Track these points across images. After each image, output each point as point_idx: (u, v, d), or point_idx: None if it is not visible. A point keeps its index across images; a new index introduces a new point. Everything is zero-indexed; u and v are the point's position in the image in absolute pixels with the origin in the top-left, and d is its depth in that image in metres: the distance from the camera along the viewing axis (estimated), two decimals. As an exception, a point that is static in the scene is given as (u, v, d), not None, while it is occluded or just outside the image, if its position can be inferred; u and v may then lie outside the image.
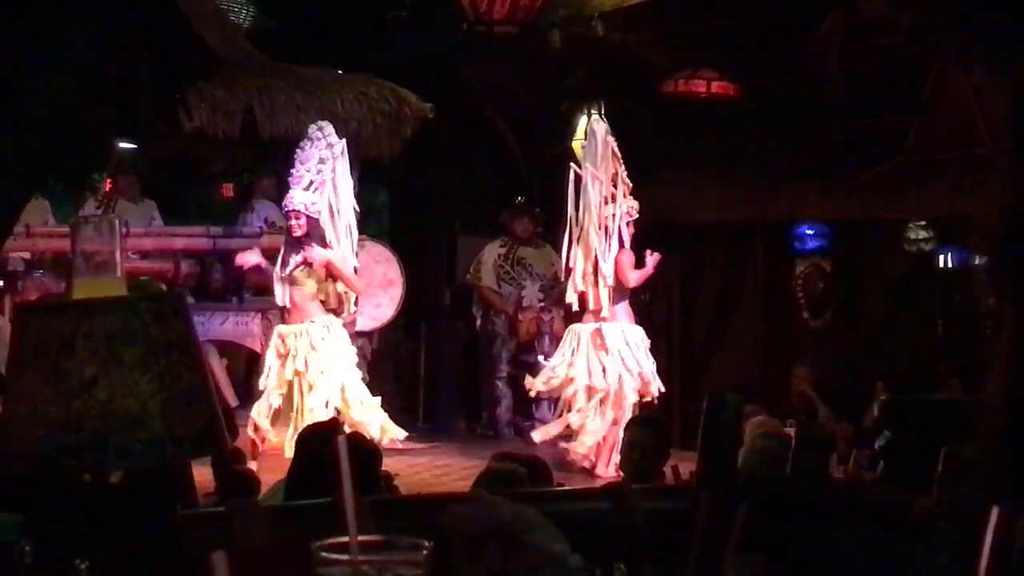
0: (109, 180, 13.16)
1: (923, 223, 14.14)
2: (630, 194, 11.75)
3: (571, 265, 11.73)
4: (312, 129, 11.15)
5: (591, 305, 11.69)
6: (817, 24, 12.73)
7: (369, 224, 14.37)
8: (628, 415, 11.17)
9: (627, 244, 11.75)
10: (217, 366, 12.14)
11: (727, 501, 2.22)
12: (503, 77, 14.07)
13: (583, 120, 14.47)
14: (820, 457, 3.03)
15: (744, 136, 14.06)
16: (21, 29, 4.30)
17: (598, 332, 11.62)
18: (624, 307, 11.83)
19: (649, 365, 11.71)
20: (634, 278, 11.73)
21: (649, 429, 8.11)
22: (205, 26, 11.98)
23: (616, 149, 11.72)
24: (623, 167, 11.70)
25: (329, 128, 11.17)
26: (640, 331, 11.88)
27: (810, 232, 14.56)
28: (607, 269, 11.57)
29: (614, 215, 11.63)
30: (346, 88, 12.70)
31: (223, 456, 6.30)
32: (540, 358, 12.88)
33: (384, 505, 2.89)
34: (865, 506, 2.91)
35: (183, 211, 14.69)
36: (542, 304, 13.76)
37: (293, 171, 11.03)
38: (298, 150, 11.08)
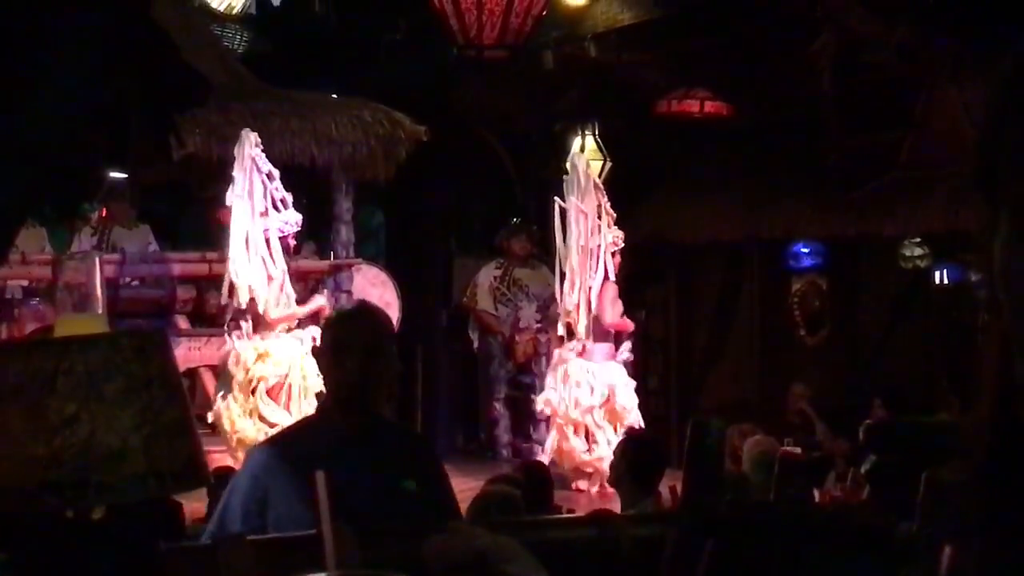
0: (104, 207, 13.16)
1: (918, 240, 14.17)
2: (615, 223, 11.76)
3: (561, 297, 11.83)
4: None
5: (578, 335, 11.76)
6: (809, 42, 12.76)
7: (365, 246, 14.39)
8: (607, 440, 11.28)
9: (612, 276, 11.77)
10: (213, 391, 12.13)
11: (696, 535, 2.23)
12: (497, 99, 14.10)
13: (577, 140, 14.52)
14: (804, 483, 3.04)
15: (738, 155, 14.10)
16: (14, 59, 4.32)
17: (576, 363, 11.72)
18: (605, 348, 11.81)
19: (628, 400, 11.70)
20: (611, 315, 11.73)
21: (635, 448, 8.03)
22: (199, 51, 12.04)
23: (598, 180, 11.79)
24: (606, 198, 11.73)
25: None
26: (619, 369, 11.84)
27: (805, 250, 14.59)
28: (593, 301, 11.63)
29: (599, 246, 11.65)
30: (340, 111, 12.70)
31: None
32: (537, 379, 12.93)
33: (370, 535, 2.89)
34: (848, 531, 2.91)
35: (179, 236, 14.69)
36: (539, 325, 13.75)
37: (277, 191, 11.10)
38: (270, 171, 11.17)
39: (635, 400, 11.79)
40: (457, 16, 9.48)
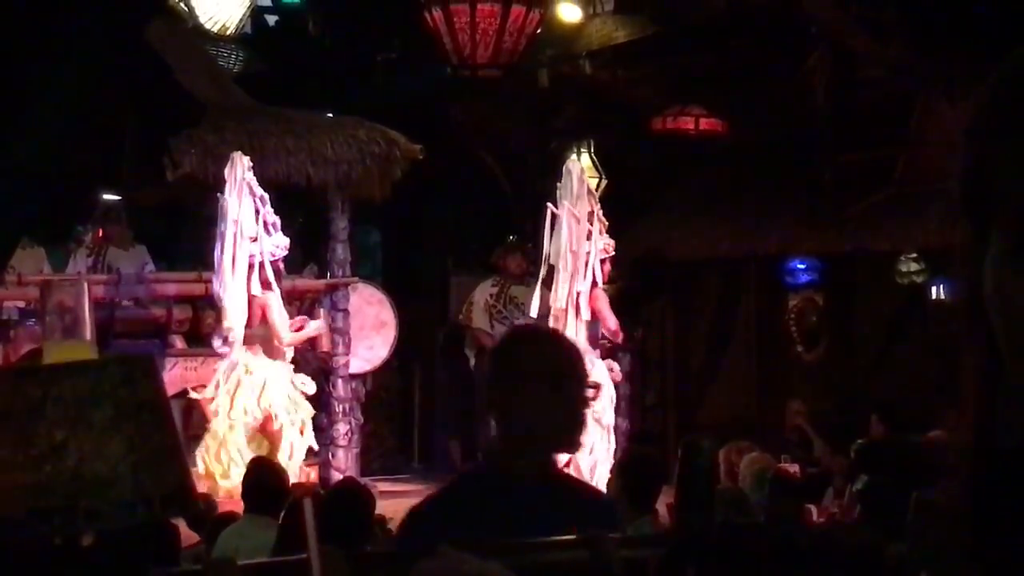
0: (99, 228, 13.16)
1: (914, 255, 14.19)
2: (607, 232, 11.69)
3: (549, 303, 11.76)
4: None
5: None
6: (803, 60, 12.80)
7: (362, 265, 14.39)
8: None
9: (601, 282, 11.71)
10: (209, 412, 12.14)
11: (683, 556, 2.23)
12: (492, 117, 14.14)
13: (573, 158, 14.52)
14: (794, 503, 3.03)
15: (733, 172, 14.13)
16: (9, 81, 4.33)
17: None
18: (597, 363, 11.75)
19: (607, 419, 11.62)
20: (613, 321, 11.65)
21: (631, 467, 8.02)
22: (193, 71, 12.05)
23: (591, 187, 11.74)
24: (599, 205, 11.68)
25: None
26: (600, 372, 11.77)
27: (802, 266, 14.61)
28: (582, 307, 11.56)
29: (589, 253, 11.59)
30: (335, 131, 12.70)
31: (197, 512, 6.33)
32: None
33: (361, 558, 2.89)
34: (838, 553, 2.91)
35: (175, 256, 14.69)
36: (534, 343, 13.71)
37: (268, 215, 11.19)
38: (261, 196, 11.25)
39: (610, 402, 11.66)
40: (451, 36, 9.51)
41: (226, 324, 11.17)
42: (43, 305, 11.76)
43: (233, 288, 11.18)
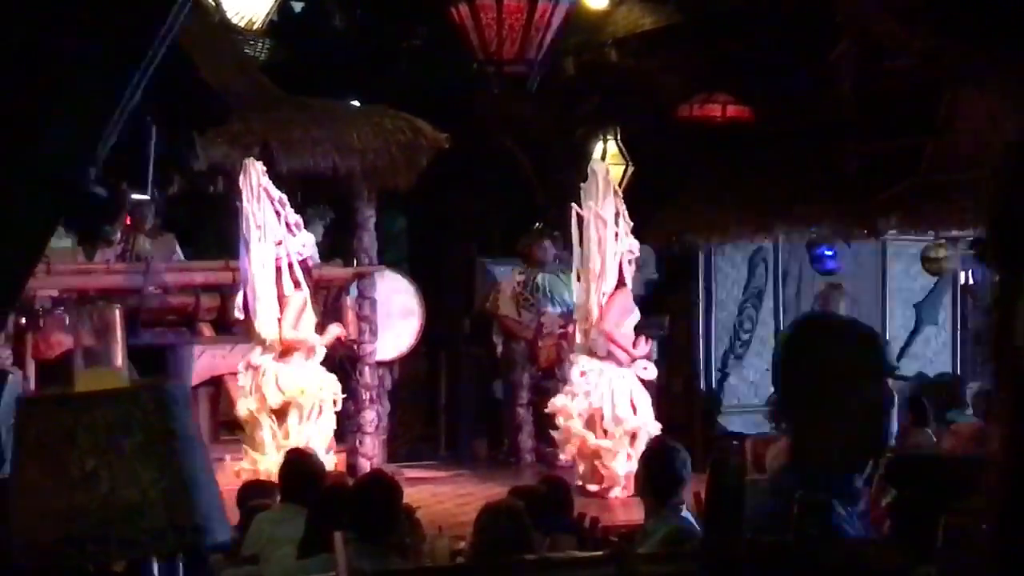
0: (128, 217, 13.22)
1: (942, 241, 14.15)
2: (632, 232, 11.72)
3: (579, 303, 11.83)
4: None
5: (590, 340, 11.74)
6: (830, 47, 12.74)
7: (388, 250, 14.42)
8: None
9: (628, 283, 11.75)
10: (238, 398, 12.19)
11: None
12: (518, 104, 14.10)
13: (599, 145, 14.50)
14: (822, 521, 3.03)
15: (760, 159, 14.06)
16: (34, 84, 4.34)
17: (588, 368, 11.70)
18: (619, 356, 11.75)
19: (625, 410, 11.62)
20: (610, 324, 11.64)
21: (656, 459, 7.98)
22: (219, 61, 12.06)
23: (617, 187, 11.76)
24: (624, 206, 11.70)
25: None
26: (628, 377, 11.76)
27: (829, 253, 14.55)
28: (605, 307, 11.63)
29: (615, 253, 11.62)
30: (361, 120, 12.72)
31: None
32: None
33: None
34: (867, 573, 2.92)
35: (201, 243, 14.73)
36: (562, 330, 13.73)
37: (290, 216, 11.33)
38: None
39: (640, 410, 11.66)
40: (477, 31, 9.50)
41: (256, 328, 11.28)
42: (83, 291, 11.88)
43: (262, 293, 11.30)
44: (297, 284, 11.33)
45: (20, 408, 2.67)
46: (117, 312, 2.30)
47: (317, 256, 12.39)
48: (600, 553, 2.98)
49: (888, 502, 3.99)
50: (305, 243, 11.34)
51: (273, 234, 11.30)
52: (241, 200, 11.37)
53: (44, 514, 2.48)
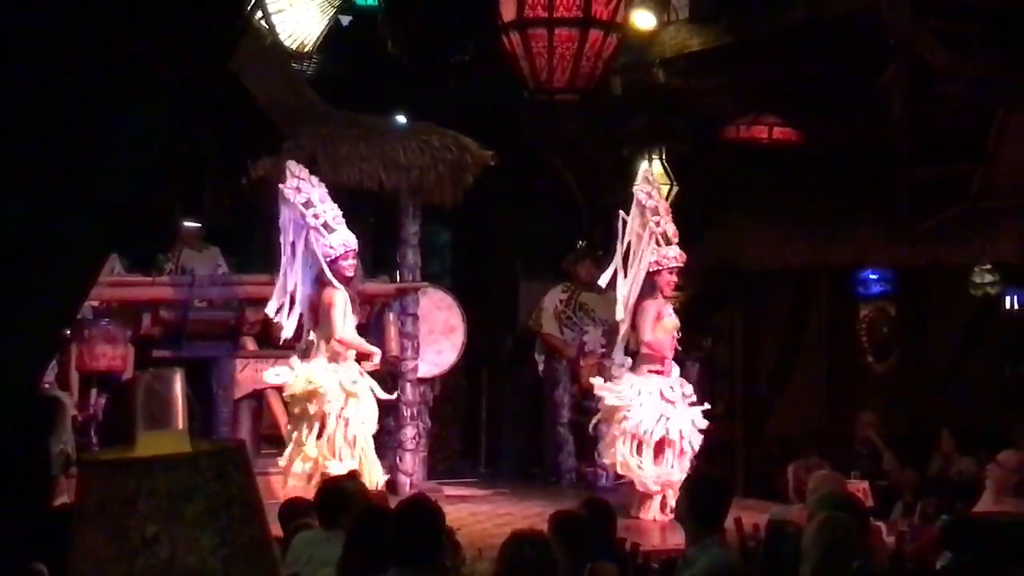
0: (174, 230, 13.30)
1: (988, 266, 14.06)
2: (677, 243, 11.57)
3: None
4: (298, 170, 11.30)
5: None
6: (880, 71, 12.67)
7: (431, 264, 14.41)
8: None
9: (668, 293, 11.60)
10: (280, 412, 12.22)
11: None
12: (565, 123, 14.10)
13: (644, 165, 14.47)
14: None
15: (806, 181, 14.01)
16: (95, 110, 4.34)
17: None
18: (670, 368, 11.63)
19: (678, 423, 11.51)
20: (647, 330, 11.51)
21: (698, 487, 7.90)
22: (269, 75, 12.10)
23: (665, 204, 11.66)
24: (670, 216, 11.55)
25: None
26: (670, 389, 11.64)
27: (874, 276, 14.51)
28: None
29: (659, 263, 11.46)
30: (408, 137, 12.73)
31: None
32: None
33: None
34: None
35: (246, 254, 14.76)
36: (604, 349, 13.68)
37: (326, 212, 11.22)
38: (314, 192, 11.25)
39: (693, 425, 11.57)
40: (528, 60, 9.50)
41: (285, 327, 11.23)
42: (125, 302, 11.91)
43: (300, 290, 11.24)
44: (328, 283, 11.19)
45: (82, 470, 2.67)
46: (178, 375, 2.31)
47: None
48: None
49: (943, 565, 3.96)
50: (347, 240, 11.22)
51: (312, 235, 11.22)
52: (280, 204, 11.24)
53: (104, 579, 2.48)
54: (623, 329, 11.55)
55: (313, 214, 11.17)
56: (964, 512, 8.69)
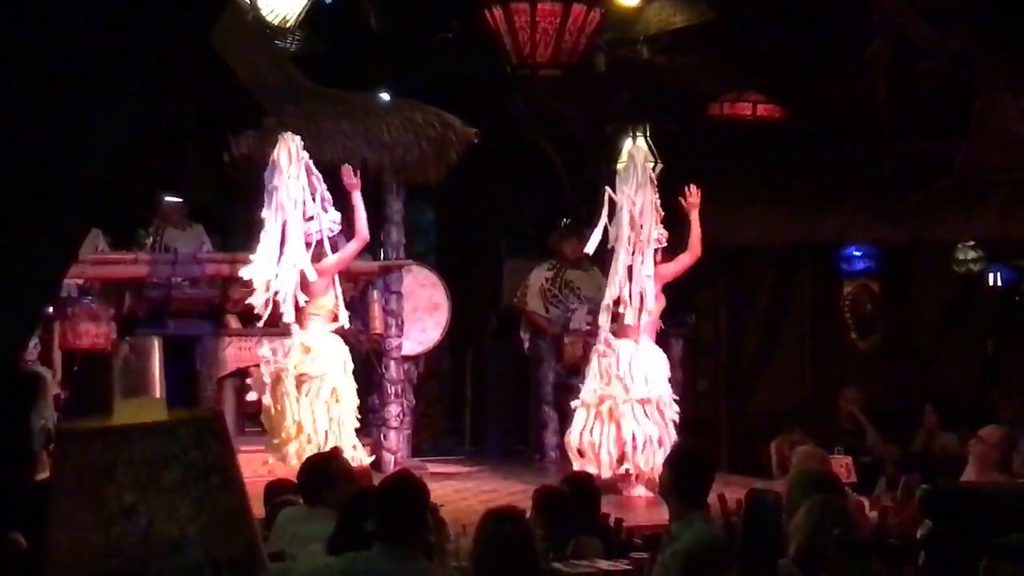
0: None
1: (971, 243, 14.09)
2: (661, 222, 11.54)
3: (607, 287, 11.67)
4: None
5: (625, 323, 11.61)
6: (863, 48, 12.67)
7: (415, 242, 14.39)
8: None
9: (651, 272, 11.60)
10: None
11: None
12: (548, 100, 14.07)
13: (628, 142, 14.45)
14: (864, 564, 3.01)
15: (790, 159, 14.02)
16: (74, 87, 4.33)
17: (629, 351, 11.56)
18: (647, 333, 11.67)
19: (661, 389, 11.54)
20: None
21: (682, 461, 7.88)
22: (252, 52, 12.05)
23: (653, 176, 11.61)
24: (657, 195, 11.53)
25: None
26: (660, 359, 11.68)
27: (857, 253, 14.51)
28: (646, 293, 11.46)
29: (646, 240, 11.44)
30: (392, 114, 12.70)
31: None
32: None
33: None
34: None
35: (229, 231, 14.70)
36: (590, 327, 13.66)
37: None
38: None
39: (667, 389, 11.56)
40: (511, 35, 9.47)
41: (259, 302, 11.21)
42: (108, 280, 11.87)
43: (288, 266, 11.19)
44: (320, 258, 11.20)
45: (58, 440, 2.66)
46: (156, 343, 2.30)
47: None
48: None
49: (923, 534, 3.97)
50: (335, 220, 11.25)
51: (308, 209, 11.19)
52: (273, 175, 11.18)
53: (81, 548, 2.48)
54: (643, 304, 11.45)
55: (322, 190, 11.21)
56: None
